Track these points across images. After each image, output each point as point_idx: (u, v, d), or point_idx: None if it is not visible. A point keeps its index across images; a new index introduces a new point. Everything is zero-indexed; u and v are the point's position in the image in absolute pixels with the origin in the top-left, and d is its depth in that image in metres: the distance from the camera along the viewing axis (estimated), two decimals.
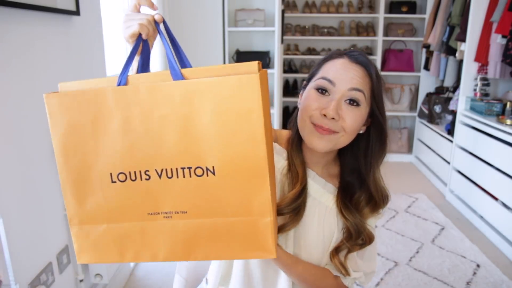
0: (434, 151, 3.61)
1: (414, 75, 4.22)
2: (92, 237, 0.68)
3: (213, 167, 0.63)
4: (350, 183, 0.90)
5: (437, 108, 3.59)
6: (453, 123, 3.20)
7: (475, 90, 2.98)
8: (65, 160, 0.66)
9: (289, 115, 4.24)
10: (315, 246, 0.88)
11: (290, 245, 0.87)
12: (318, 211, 0.88)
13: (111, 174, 0.65)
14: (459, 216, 2.94)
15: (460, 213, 2.98)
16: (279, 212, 0.83)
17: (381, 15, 4.00)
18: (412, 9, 4.04)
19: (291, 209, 0.84)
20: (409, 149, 4.29)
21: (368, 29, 4.23)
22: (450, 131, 3.26)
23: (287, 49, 4.31)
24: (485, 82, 2.92)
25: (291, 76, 4.36)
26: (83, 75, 1.64)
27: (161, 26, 0.70)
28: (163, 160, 0.64)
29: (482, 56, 2.84)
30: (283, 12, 3.29)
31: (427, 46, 3.81)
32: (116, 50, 2.26)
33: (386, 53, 4.19)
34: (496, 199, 2.55)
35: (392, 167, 3.97)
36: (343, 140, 0.84)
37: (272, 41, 3.12)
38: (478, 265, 2.26)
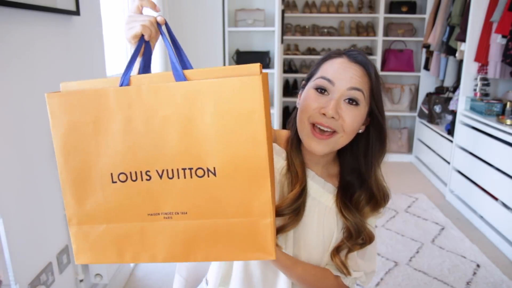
0: (434, 151, 3.61)
1: (414, 75, 4.22)
2: (91, 237, 0.68)
3: (214, 168, 0.63)
4: (350, 182, 0.91)
5: (437, 108, 3.59)
6: (453, 123, 3.20)
7: (475, 90, 2.98)
8: (66, 159, 0.66)
9: (289, 115, 4.25)
10: (315, 246, 0.88)
11: (289, 245, 0.87)
12: (318, 211, 0.88)
13: (111, 174, 0.65)
14: (459, 216, 2.94)
15: (460, 213, 2.98)
16: (279, 213, 0.83)
17: (381, 15, 4.00)
18: (412, 9, 4.04)
19: (291, 210, 0.84)
20: (409, 149, 4.29)
21: (368, 29, 4.23)
22: (450, 131, 3.26)
23: (287, 49, 4.31)
24: (485, 82, 2.92)
25: (291, 76, 4.36)
26: (83, 75, 1.64)
27: (163, 27, 0.71)
28: (164, 160, 0.64)
29: (482, 56, 2.84)
30: (283, 12, 3.29)
31: (427, 46, 3.81)
32: (116, 50, 2.26)
33: (386, 53, 4.19)
34: (496, 199, 2.55)
35: (392, 167, 3.97)
36: (342, 140, 0.84)
37: (272, 41, 3.12)
38: (478, 265, 2.26)
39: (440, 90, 3.75)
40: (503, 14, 2.58)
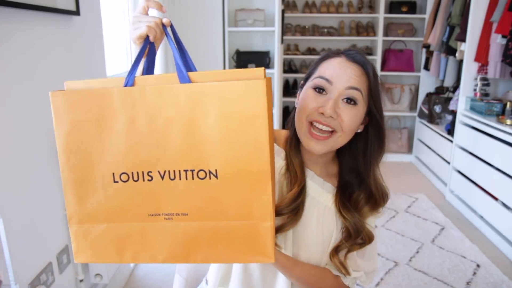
0: (434, 151, 3.61)
1: (414, 75, 4.22)
2: (91, 236, 0.68)
3: (216, 170, 0.63)
4: (349, 182, 0.91)
5: (437, 108, 3.59)
6: (453, 123, 3.20)
7: (475, 90, 2.98)
8: (68, 158, 0.66)
9: (289, 115, 4.24)
10: (315, 246, 0.88)
11: (289, 245, 0.87)
12: (317, 210, 0.88)
13: (113, 174, 0.65)
14: (459, 216, 2.94)
15: (460, 213, 2.99)
16: (278, 213, 0.83)
17: (381, 15, 4.00)
18: (412, 9, 4.04)
19: (290, 210, 0.84)
20: (409, 149, 4.29)
21: (368, 29, 4.23)
22: (450, 131, 3.26)
23: (287, 49, 4.31)
24: (485, 82, 2.92)
25: (291, 76, 4.36)
26: (83, 75, 1.64)
27: (168, 29, 0.71)
28: (166, 161, 0.64)
29: (482, 56, 2.84)
30: (283, 12, 3.29)
31: (427, 46, 3.81)
32: (116, 50, 2.26)
33: (386, 53, 4.19)
34: (496, 199, 2.55)
35: (392, 167, 3.97)
36: (341, 140, 0.84)
37: (272, 41, 3.12)
38: (478, 265, 2.26)
39: (440, 90, 3.75)
40: (503, 14, 2.58)
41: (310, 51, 4.34)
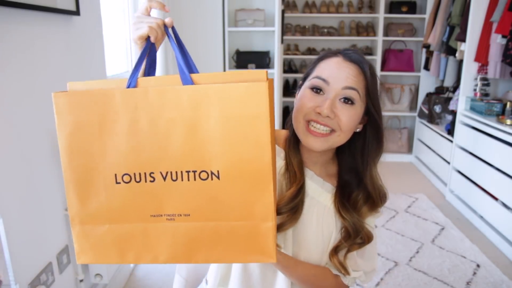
0: (434, 151, 3.61)
1: (414, 75, 4.22)
2: (93, 237, 0.68)
3: (217, 171, 0.63)
4: (348, 182, 0.91)
5: (437, 108, 3.59)
6: (453, 123, 3.20)
7: (475, 90, 2.98)
8: (70, 159, 0.66)
9: (289, 115, 4.24)
10: (315, 246, 0.88)
11: (289, 244, 0.87)
12: (317, 210, 0.88)
13: (115, 175, 0.65)
14: (459, 216, 2.95)
15: (460, 213, 2.99)
16: (277, 212, 0.83)
17: (381, 15, 4.00)
18: (412, 9, 4.04)
19: (288, 208, 0.84)
20: (409, 149, 4.29)
21: (368, 29, 4.23)
22: (450, 131, 3.26)
23: (287, 49, 4.31)
24: (485, 82, 2.92)
25: (291, 76, 4.36)
26: (83, 75, 1.64)
27: (170, 30, 0.71)
28: (168, 162, 0.64)
29: (482, 56, 2.84)
30: (283, 12, 3.29)
31: (427, 46, 3.81)
32: (116, 50, 2.26)
33: (386, 53, 4.19)
34: (496, 199, 2.55)
35: (392, 167, 3.97)
36: (340, 139, 0.84)
37: (272, 41, 3.12)
38: (478, 265, 2.26)
39: (440, 90, 3.75)
40: (503, 14, 2.59)
41: (310, 51, 4.34)
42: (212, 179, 0.64)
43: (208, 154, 0.63)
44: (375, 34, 4.14)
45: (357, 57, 0.84)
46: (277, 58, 3.07)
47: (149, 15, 0.72)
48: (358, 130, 0.88)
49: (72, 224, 0.68)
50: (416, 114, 4.10)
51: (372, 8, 4.17)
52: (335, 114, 0.81)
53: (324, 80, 0.82)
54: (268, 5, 3.09)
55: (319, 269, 0.89)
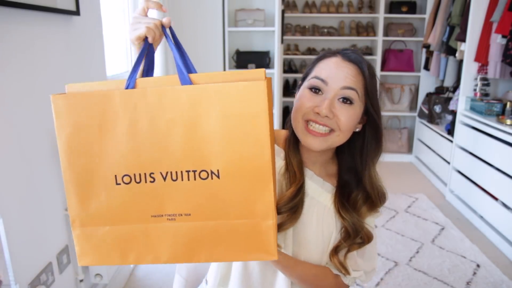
0: (434, 151, 3.61)
1: (414, 75, 4.22)
2: (94, 239, 0.68)
3: (217, 170, 0.64)
4: (347, 182, 0.91)
5: (437, 108, 3.59)
6: (453, 123, 3.21)
7: (475, 90, 2.98)
8: (70, 161, 0.66)
9: (288, 115, 4.25)
10: (315, 246, 0.88)
11: (289, 244, 0.87)
12: (317, 210, 0.88)
13: (115, 176, 0.65)
14: (459, 216, 2.95)
15: (460, 213, 2.99)
16: (277, 211, 0.83)
17: (381, 15, 4.00)
18: (412, 9, 4.04)
19: (288, 208, 0.84)
20: (409, 149, 4.29)
21: (368, 29, 4.23)
22: (450, 131, 3.26)
23: (287, 49, 4.31)
24: (485, 82, 2.92)
25: (291, 76, 4.36)
26: (83, 75, 1.64)
27: (168, 30, 0.71)
28: (168, 163, 0.64)
29: (482, 56, 2.84)
30: (283, 12, 3.29)
31: (427, 46, 3.81)
32: (116, 50, 2.26)
33: (386, 53, 4.19)
34: (496, 199, 2.55)
35: (392, 167, 3.97)
36: (339, 139, 0.84)
37: (272, 41, 3.12)
38: (478, 265, 2.26)
39: (440, 90, 3.75)
40: (503, 14, 2.59)
41: (310, 51, 4.34)
42: (212, 178, 0.64)
43: (207, 154, 0.63)
44: (375, 34, 4.14)
45: (355, 57, 0.84)
46: (277, 58, 3.08)
47: (146, 15, 0.72)
48: (357, 130, 0.88)
49: (73, 226, 0.68)
50: (416, 114, 4.10)
51: (372, 8, 4.17)
52: (334, 114, 0.81)
53: (322, 80, 0.82)
54: (268, 5, 3.09)
55: (319, 269, 0.89)
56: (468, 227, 2.76)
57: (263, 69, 0.63)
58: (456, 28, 3.21)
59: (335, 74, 0.82)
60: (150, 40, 0.70)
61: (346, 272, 0.87)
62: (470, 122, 2.91)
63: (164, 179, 0.65)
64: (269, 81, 0.63)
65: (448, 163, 3.25)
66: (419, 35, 4.15)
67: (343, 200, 0.88)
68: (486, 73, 2.86)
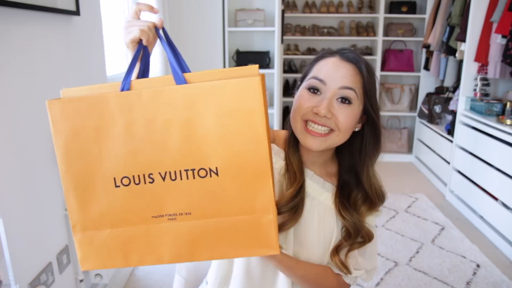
0: (434, 151, 3.61)
1: (414, 75, 4.22)
2: (96, 243, 0.68)
3: (216, 168, 0.64)
4: (347, 181, 0.91)
5: (437, 108, 3.59)
6: (453, 123, 3.21)
7: (475, 90, 2.98)
8: (68, 166, 0.66)
9: (288, 115, 4.25)
10: (316, 246, 0.88)
11: (290, 244, 0.87)
12: (318, 210, 0.88)
13: (114, 178, 0.66)
14: (459, 216, 2.95)
15: (460, 213, 2.99)
16: (277, 211, 0.83)
17: (381, 15, 4.00)
18: (412, 9, 4.04)
19: (289, 208, 0.84)
20: (409, 149, 4.29)
21: (368, 29, 4.23)
22: (450, 131, 3.26)
23: (287, 49, 4.31)
24: (485, 82, 2.92)
25: (291, 76, 4.36)
26: (83, 75, 1.64)
27: (161, 31, 0.71)
28: (166, 163, 0.64)
29: (482, 56, 2.84)
30: (283, 12, 3.29)
31: (427, 46, 3.81)
32: (116, 50, 2.25)
33: (386, 53, 4.19)
34: (496, 199, 2.55)
35: (392, 167, 3.97)
36: (339, 139, 0.84)
37: (272, 41, 3.12)
38: (478, 265, 2.26)
39: (440, 90, 3.75)
40: (503, 14, 2.59)
41: (310, 51, 4.34)
42: (211, 176, 0.64)
43: (205, 152, 0.64)
44: (375, 34, 4.14)
45: (353, 57, 0.84)
46: (277, 58, 3.08)
47: (139, 18, 0.72)
48: (357, 129, 0.88)
49: (74, 231, 0.68)
50: (416, 114, 4.09)
51: (372, 8, 4.17)
52: (333, 114, 0.81)
53: (321, 80, 0.82)
54: (268, 5, 3.10)
55: (321, 269, 0.89)
56: (468, 227, 2.76)
57: (256, 65, 0.63)
58: (456, 28, 3.21)
59: (333, 74, 0.82)
60: (144, 42, 0.70)
61: (348, 271, 0.88)
62: (470, 122, 2.91)
63: (163, 179, 0.65)
64: (263, 77, 0.64)
65: (448, 163, 3.26)
66: (419, 35, 4.15)
67: (343, 200, 0.88)
68: (486, 73, 2.86)
